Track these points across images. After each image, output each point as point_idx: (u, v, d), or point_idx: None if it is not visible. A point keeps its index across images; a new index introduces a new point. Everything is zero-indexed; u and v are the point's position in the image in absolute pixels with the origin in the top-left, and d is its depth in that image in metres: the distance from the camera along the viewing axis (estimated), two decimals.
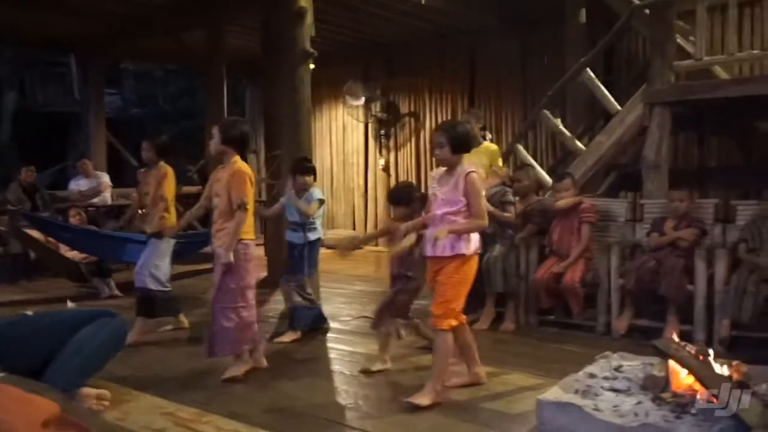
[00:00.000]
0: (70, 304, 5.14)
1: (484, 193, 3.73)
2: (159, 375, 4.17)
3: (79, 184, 9.00)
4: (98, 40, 9.79)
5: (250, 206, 4.05)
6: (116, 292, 6.79)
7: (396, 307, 4.31)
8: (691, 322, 4.64)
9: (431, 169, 9.68)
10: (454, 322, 3.59)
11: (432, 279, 3.68)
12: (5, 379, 2.22)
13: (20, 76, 16.14)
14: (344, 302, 6.35)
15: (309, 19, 6.25)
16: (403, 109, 10.26)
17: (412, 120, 10.17)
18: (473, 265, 3.65)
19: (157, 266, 4.96)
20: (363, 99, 10.32)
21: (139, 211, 5.41)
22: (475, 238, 3.62)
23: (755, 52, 5.26)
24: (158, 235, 4.97)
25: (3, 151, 14.74)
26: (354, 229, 10.68)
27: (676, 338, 3.80)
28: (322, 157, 10.92)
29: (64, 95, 16.73)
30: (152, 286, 4.93)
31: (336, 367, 4.40)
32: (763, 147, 6.69)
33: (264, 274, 7.06)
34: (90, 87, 10.80)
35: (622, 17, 6.04)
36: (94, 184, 8.97)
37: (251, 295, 4.12)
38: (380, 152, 10.53)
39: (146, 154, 5.07)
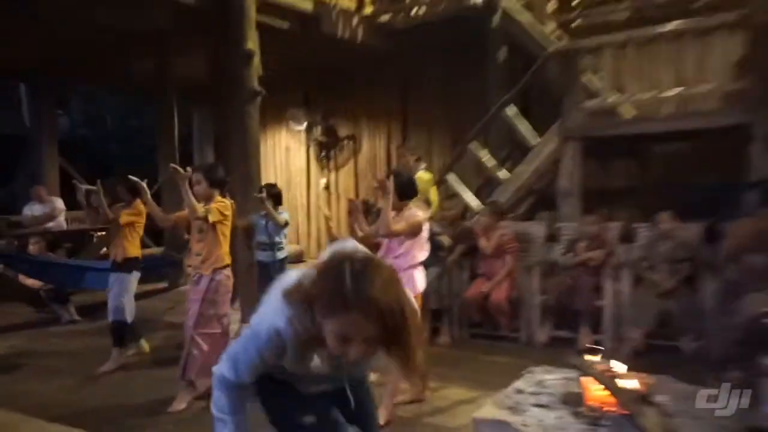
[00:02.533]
0: None
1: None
2: (124, 405, 4.11)
3: (33, 210, 8.71)
4: (46, 69, 9.45)
5: (228, 235, 4.09)
6: (76, 317, 6.66)
7: None
8: (601, 331, 4.97)
9: (369, 187, 9.88)
10: None
11: None
12: None
13: None
14: None
15: (256, 60, 6.28)
16: (342, 132, 10.33)
17: (351, 142, 10.27)
18: (419, 302, 3.68)
19: (129, 298, 4.92)
20: (305, 124, 10.43)
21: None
22: (420, 280, 3.74)
23: (650, 94, 5.61)
24: (126, 269, 4.91)
25: None
26: (298, 243, 10.72)
27: (589, 347, 4.09)
28: (268, 177, 10.79)
29: (12, 118, 16.00)
30: (128, 317, 4.89)
31: None
32: (658, 168, 7.11)
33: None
34: (41, 112, 10.42)
35: (537, 61, 6.32)
36: (48, 209, 8.69)
37: (226, 321, 4.11)
38: (321, 172, 10.61)
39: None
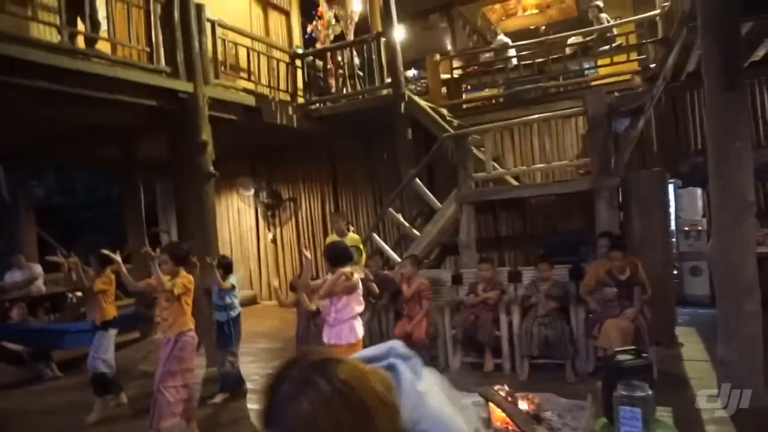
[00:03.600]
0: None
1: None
2: None
3: (13, 276, 8.14)
4: (19, 156, 8.95)
5: (190, 303, 4.02)
6: (58, 373, 6.20)
7: None
8: (501, 356, 5.16)
9: (308, 240, 9.89)
10: None
11: None
12: None
13: None
14: (252, 360, 6.12)
15: (210, 147, 6.24)
16: (284, 195, 10.31)
17: (292, 204, 10.27)
18: (359, 348, 3.73)
19: (109, 354, 4.73)
20: (252, 190, 10.37)
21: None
22: (359, 329, 3.80)
23: (522, 168, 5.99)
24: (105, 326, 4.72)
25: None
26: (252, 288, 10.53)
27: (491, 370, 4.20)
28: (223, 233, 10.62)
29: None
30: (105, 369, 4.68)
31: (255, 428, 4.34)
32: (533, 219, 7.55)
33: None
34: (17, 184, 9.79)
35: (436, 142, 6.63)
36: (27, 275, 8.15)
37: (190, 375, 4.01)
38: (268, 228, 10.51)
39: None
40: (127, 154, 8.43)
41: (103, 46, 5.61)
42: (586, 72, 9.02)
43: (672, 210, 6.46)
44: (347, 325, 3.74)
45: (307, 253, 3.91)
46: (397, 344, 1.00)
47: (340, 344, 3.72)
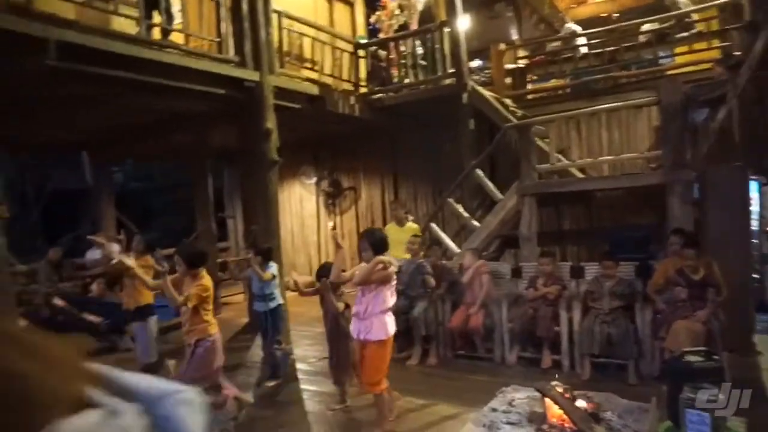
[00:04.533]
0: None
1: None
2: None
3: (94, 254, 8.72)
4: (103, 145, 9.52)
5: (210, 308, 3.83)
6: (131, 345, 6.57)
7: (342, 363, 4.28)
8: (560, 353, 5.01)
9: (366, 227, 9.96)
10: (384, 386, 3.63)
11: (359, 354, 3.70)
12: None
13: (41, 161, 15.43)
14: (309, 344, 6.27)
15: (274, 135, 6.40)
16: (345, 184, 10.44)
17: (352, 192, 10.38)
18: (389, 344, 3.64)
19: (149, 343, 4.87)
20: (314, 178, 10.56)
21: None
22: (391, 324, 3.60)
23: (589, 160, 5.74)
24: (142, 315, 4.83)
25: (32, 228, 14.02)
26: (311, 274, 10.73)
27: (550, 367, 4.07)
28: (285, 220, 10.88)
29: (76, 176, 16.05)
30: (151, 360, 4.84)
31: (309, 407, 4.44)
32: (599, 213, 7.22)
33: (246, 320, 7.07)
34: (99, 171, 10.50)
35: (498, 133, 6.47)
36: (107, 252, 8.70)
37: (213, 378, 3.86)
38: (329, 216, 10.69)
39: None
40: (198, 142, 8.77)
41: (176, 38, 5.85)
42: (661, 61, 8.51)
43: (754, 209, 5.99)
44: (378, 319, 3.54)
45: (341, 242, 3.80)
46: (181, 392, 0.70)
47: (370, 340, 3.54)
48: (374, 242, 3.55)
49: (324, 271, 4.29)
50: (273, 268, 5.06)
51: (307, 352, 6.01)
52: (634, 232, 6.29)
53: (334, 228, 10.60)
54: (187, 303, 3.66)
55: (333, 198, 10.58)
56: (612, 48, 7.97)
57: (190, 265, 3.76)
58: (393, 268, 3.61)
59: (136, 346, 4.86)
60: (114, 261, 4.83)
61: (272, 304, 5.01)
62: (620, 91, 7.18)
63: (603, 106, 5.70)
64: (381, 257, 3.54)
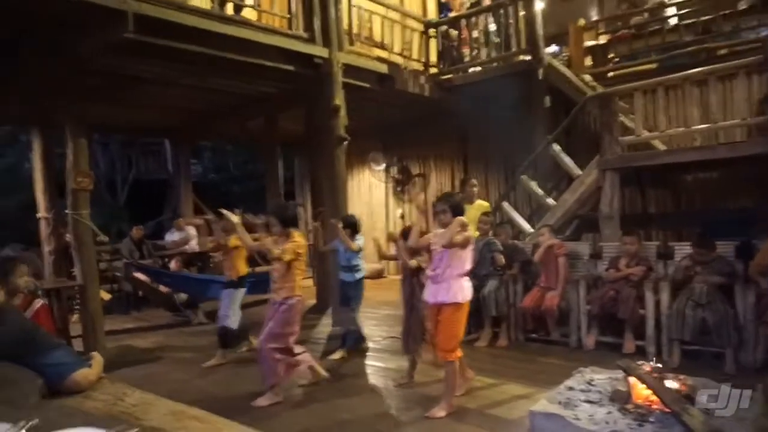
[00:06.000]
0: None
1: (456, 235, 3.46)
2: (241, 392, 4.09)
3: (172, 236, 9.12)
4: (182, 128, 9.96)
5: (302, 270, 3.92)
6: (204, 320, 6.81)
7: (415, 330, 4.21)
8: (644, 338, 4.58)
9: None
10: (458, 354, 3.52)
11: (433, 319, 3.59)
12: None
13: (127, 153, 16.47)
14: (375, 324, 6.24)
15: (342, 112, 6.36)
16: (414, 171, 10.28)
17: (421, 179, 10.20)
18: (466, 310, 3.55)
19: (235, 309, 4.98)
20: (383, 165, 10.45)
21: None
22: (469, 288, 3.52)
23: (680, 129, 5.22)
24: (235, 284, 4.98)
25: (119, 212, 14.98)
26: (378, 262, 10.67)
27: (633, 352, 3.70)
28: (353, 209, 10.86)
29: (159, 166, 17.01)
30: (231, 325, 4.95)
31: (372, 381, 4.34)
32: (689, 195, 6.61)
33: (313, 301, 7.09)
34: (179, 161, 10.98)
35: (577, 104, 6.06)
36: (184, 235, 9.06)
37: (293, 339, 3.92)
38: (397, 204, 10.57)
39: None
40: (269, 126, 8.93)
41: (248, 14, 5.93)
42: (765, 31, 7.66)
43: None
44: (456, 282, 3.47)
45: (421, 196, 3.70)
46: None
47: (447, 302, 3.46)
48: (453, 205, 3.49)
49: (405, 234, 4.22)
50: (360, 240, 5.07)
51: (372, 331, 5.92)
52: (731, 215, 5.68)
53: (402, 216, 10.47)
54: (283, 257, 3.74)
55: (402, 185, 10.45)
56: (706, 17, 7.26)
57: (285, 223, 3.87)
58: (472, 230, 3.54)
59: (220, 309, 5.02)
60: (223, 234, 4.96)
61: (358, 276, 5.06)
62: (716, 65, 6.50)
63: (697, 70, 5.16)
64: (461, 218, 3.45)
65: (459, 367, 3.65)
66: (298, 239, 3.90)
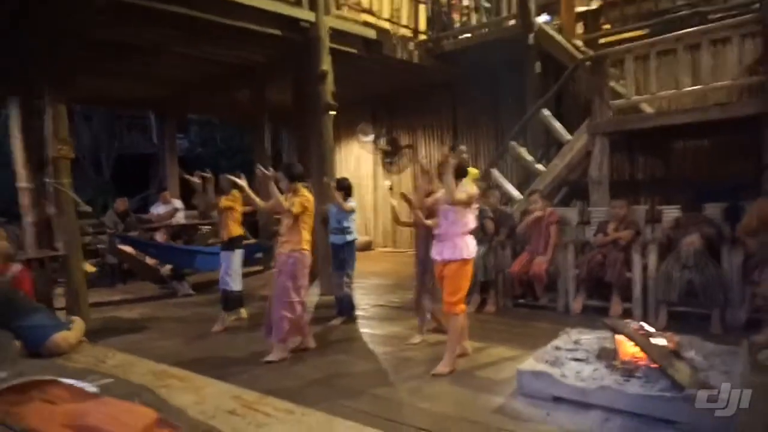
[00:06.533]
0: None
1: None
2: (226, 356, 4.14)
3: (158, 209, 8.99)
4: (170, 100, 9.77)
5: (309, 224, 4.05)
6: (190, 291, 6.76)
7: (426, 287, 4.28)
8: (631, 301, 4.60)
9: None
10: (463, 307, 3.59)
11: (439, 276, 3.66)
12: None
13: (112, 126, 16.15)
14: (364, 293, 6.24)
15: (330, 78, 6.23)
16: (403, 142, 10.17)
17: (410, 150, 10.11)
18: (471, 265, 3.62)
19: (235, 271, 4.99)
20: (372, 136, 10.34)
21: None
22: (473, 245, 3.59)
23: (671, 91, 5.17)
24: (232, 246, 4.96)
25: (104, 187, 14.78)
26: (367, 234, 10.64)
27: (619, 315, 3.73)
28: None
29: (144, 140, 16.73)
30: (234, 287, 4.98)
31: (367, 345, 4.34)
32: (678, 162, 6.58)
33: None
34: (165, 135, 10.80)
35: (568, 68, 5.96)
36: (170, 208, 8.94)
37: (303, 293, 4.06)
38: (386, 176, 10.48)
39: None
40: (257, 101, 8.74)
41: None
42: None
43: None
44: (461, 239, 3.55)
45: (424, 162, 3.72)
46: None
47: (454, 259, 3.53)
48: (456, 167, 3.52)
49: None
50: (353, 201, 5.09)
51: (361, 299, 5.90)
52: (721, 183, 5.67)
53: (391, 188, 10.39)
54: (292, 209, 3.89)
55: (390, 156, 10.35)
56: None
57: (292, 178, 4.03)
58: (475, 189, 3.64)
59: (221, 271, 5.02)
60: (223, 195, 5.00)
61: (349, 238, 5.06)
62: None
63: (690, 29, 5.08)
64: (463, 180, 3.58)
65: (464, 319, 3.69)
66: (306, 194, 4.04)
